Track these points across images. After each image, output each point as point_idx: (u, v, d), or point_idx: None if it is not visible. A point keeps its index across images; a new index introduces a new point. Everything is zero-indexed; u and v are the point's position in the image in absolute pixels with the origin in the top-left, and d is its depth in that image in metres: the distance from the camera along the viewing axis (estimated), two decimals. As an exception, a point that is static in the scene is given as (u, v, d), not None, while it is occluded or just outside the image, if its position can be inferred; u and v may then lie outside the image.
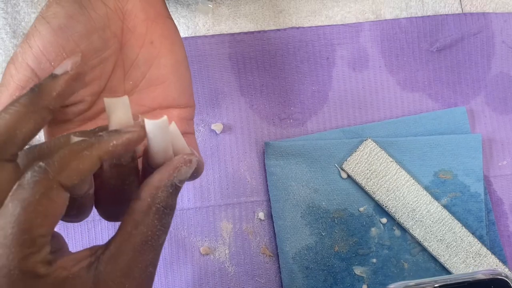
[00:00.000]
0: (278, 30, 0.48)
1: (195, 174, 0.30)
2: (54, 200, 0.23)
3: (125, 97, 0.26)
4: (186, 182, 0.46)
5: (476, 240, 0.45)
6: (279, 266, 0.46)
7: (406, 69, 0.49)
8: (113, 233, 0.26)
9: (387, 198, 0.45)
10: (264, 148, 0.46)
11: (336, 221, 0.46)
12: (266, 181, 0.47)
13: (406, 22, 0.49)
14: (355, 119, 0.48)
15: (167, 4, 0.34)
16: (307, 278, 0.45)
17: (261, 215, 0.46)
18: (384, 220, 0.46)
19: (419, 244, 0.46)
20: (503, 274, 0.32)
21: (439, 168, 0.47)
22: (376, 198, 0.45)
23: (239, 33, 0.47)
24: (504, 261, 0.46)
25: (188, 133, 0.34)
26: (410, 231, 0.45)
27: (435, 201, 0.45)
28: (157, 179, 0.26)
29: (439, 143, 0.47)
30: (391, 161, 0.46)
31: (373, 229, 0.46)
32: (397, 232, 0.46)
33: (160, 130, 0.26)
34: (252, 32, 0.48)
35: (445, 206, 0.46)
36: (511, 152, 0.49)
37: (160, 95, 0.33)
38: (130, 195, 0.27)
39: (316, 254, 0.45)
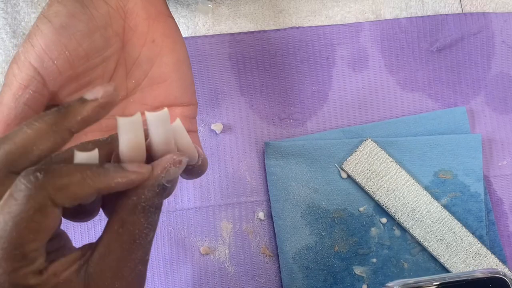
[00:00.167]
0: (278, 30, 0.48)
1: (200, 171, 0.29)
2: (47, 216, 0.23)
3: (138, 116, 0.26)
4: (185, 181, 0.46)
5: (476, 240, 0.45)
6: (279, 266, 0.46)
7: (406, 69, 0.49)
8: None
9: (387, 198, 0.45)
10: (264, 148, 0.46)
11: (336, 221, 0.46)
12: (266, 181, 0.47)
13: (406, 22, 0.49)
14: (355, 119, 0.48)
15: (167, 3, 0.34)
16: (307, 278, 0.45)
17: (261, 215, 0.46)
18: (384, 220, 0.46)
19: (419, 244, 0.46)
20: (501, 273, 0.32)
21: (439, 168, 0.47)
22: (376, 198, 0.45)
23: (239, 33, 0.48)
24: (504, 261, 0.46)
25: (191, 131, 0.34)
26: (410, 231, 0.45)
27: (435, 201, 0.45)
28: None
29: (439, 143, 0.47)
30: (391, 161, 0.46)
31: (373, 229, 0.46)
32: (397, 232, 0.46)
33: (161, 123, 0.26)
34: (252, 32, 0.48)
35: (445, 206, 0.46)
36: (511, 152, 0.49)
37: (162, 93, 0.33)
38: None
39: (316, 254, 0.45)
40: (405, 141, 0.47)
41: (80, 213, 0.27)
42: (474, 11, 0.50)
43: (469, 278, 0.32)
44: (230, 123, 0.47)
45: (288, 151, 0.46)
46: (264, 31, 0.48)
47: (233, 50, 0.47)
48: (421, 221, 0.45)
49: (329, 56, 0.48)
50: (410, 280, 0.32)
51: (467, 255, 0.45)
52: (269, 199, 0.46)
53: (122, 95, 0.32)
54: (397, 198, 0.45)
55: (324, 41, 0.48)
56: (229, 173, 0.47)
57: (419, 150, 0.46)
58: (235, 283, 0.46)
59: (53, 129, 0.25)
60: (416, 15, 0.49)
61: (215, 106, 0.47)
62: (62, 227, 0.45)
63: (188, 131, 0.33)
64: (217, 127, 0.47)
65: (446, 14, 0.49)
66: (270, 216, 0.46)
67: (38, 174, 0.23)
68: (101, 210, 0.31)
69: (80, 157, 0.25)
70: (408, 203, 0.45)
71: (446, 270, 0.45)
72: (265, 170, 0.47)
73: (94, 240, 0.45)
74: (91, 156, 0.25)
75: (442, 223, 0.45)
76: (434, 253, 0.45)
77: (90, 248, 0.26)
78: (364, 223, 0.46)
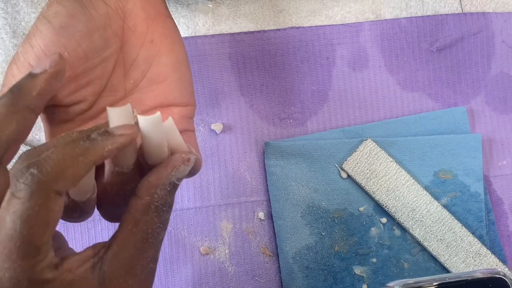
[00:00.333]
0: (278, 30, 0.48)
1: (193, 171, 0.30)
2: (52, 207, 0.23)
3: (128, 106, 0.26)
4: (185, 181, 0.46)
5: (476, 240, 0.45)
6: (279, 266, 0.46)
7: (406, 69, 0.49)
8: (113, 232, 0.27)
9: (387, 198, 0.45)
10: (264, 148, 0.46)
11: (336, 221, 0.46)
12: (266, 181, 0.47)
13: (406, 22, 0.49)
14: (355, 119, 0.48)
15: (167, 4, 0.34)
16: (307, 278, 0.45)
17: (261, 215, 0.46)
18: (384, 220, 0.46)
19: (419, 244, 0.46)
20: (501, 273, 0.32)
21: (439, 168, 0.47)
22: (376, 198, 0.45)
23: (239, 33, 0.48)
24: (504, 261, 0.46)
25: (188, 131, 0.34)
26: (410, 231, 0.45)
27: (435, 201, 0.45)
28: (155, 177, 0.27)
29: (439, 143, 0.47)
30: (391, 161, 0.46)
31: (373, 229, 0.46)
32: (397, 232, 0.46)
33: (154, 127, 0.26)
34: (252, 32, 0.48)
35: (445, 206, 0.46)
36: (511, 152, 0.49)
37: (161, 94, 0.33)
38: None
39: (316, 254, 0.45)
40: (405, 141, 0.47)
41: (75, 212, 0.28)
42: (474, 11, 0.50)
43: (469, 278, 0.32)
44: (230, 123, 0.47)
45: (288, 151, 0.46)
46: (264, 31, 0.48)
47: (233, 50, 0.47)
48: (421, 221, 0.45)
49: (329, 56, 0.48)
50: (411, 280, 0.32)
51: (467, 255, 0.45)
52: (269, 199, 0.46)
53: (121, 96, 0.32)
54: (397, 198, 0.45)
55: (324, 41, 0.48)
56: (229, 173, 0.47)
57: (419, 150, 0.46)
58: (235, 283, 0.46)
59: (11, 111, 0.25)
60: (416, 15, 0.49)
61: (215, 106, 0.47)
62: (62, 227, 0.46)
63: (186, 131, 0.33)
64: (217, 127, 0.47)
65: (446, 14, 0.49)
66: (270, 216, 0.46)
67: (32, 170, 0.23)
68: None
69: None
70: (408, 203, 0.45)
71: (446, 270, 0.45)
72: (265, 170, 0.47)
73: (94, 240, 0.46)
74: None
75: (442, 223, 0.45)
76: (434, 253, 0.45)
77: (103, 246, 0.26)
78: (364, 223, 0.46)
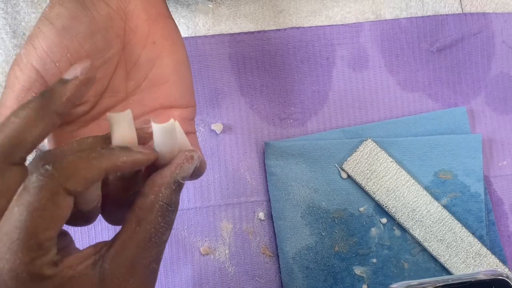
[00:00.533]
0: (278, 30, 0.48)
1: (198, 173, 0.30)
2: (60, 205, 0.24)
3: (128, 111, 0.27)
4: (187, 181, 0.46)
5: (476, 240, 0.45)
6: (279, 266, 0.46)
7: (406, 69, 0.49)
8: (113, 233, 0.27)
9: (387, 198, 0.45)
10: (264, 148, 0.46)
11: (336, 221, 0.46)
12: (266, 181, 0.47)
13: (406, 22, 0.49)
14: (355, 119, 0.48)
15: (167, 4, 0.34)
16: (307, 278, 0.45)
17: (261, 215, 0.46)
18: (384, 220, 0.46)
19: (419, 244, 0.46)
20: (504, 275, 0.32)
21: (439, 168, 0.47)
22: (376, 198, 0.45)
23: (239, 33, 0.47)
24: (504, 261, 0.46)
25: (189, 133, 0.34)
26: (410, 231, 0.45)
27: (435, 201, 0.45)
28: (160, 176, 0.27)
29: (439, 143, 0.47)
30: (391, 161, 0.46)
31: (373, 229, 0.46)
32: (397, 232, 0.46)
33: (167, 134, 0.27)
34: (252, 32, 0.48)
35: (445, 206, 0.46)
36: (511, 152, 0.49)
37: (162, 95, 0.33)
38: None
39: (316, 254, 0.45)
40: (405, 141, 0.47)
41: (80, 220, 0.28)
42: (474, 11, 0.50)
43: (472, 280, 0.32)
44: (230, 123, 0.47)
45: (288, 151, 0.46)
46: (264, 31, 0.48)
47: (233, 50, 0.47)
48: (421, 221, 0.45)
49: (329, 56, 0.48)
50: (414, 282, 0.32)
51: (467, 255, 0.45)
52: (269, 199, 0.46)
53: (122, 97, 0.32)
54: (397, 198, 0.45)
55: (324, 41, 0.48)
56: (229, 173, 0.47)
57: (419, 150, 0.47)
58: (235, 283, 0.46)
59: (40, 114, 0.25)
60: (416, 15, 0.49)
61: (215, 106, 0.47)
62: (63, 226, 0.45)
63: (187, 133, 0.33)
64: (217, 127, 0.47)
65: (446, 14, 0.49)
66: (270, 216, 0.46)
67: (47, 166, 0.23)
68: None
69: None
70: (408, 203, 0.45)
71: (446, 270, 0.45)
72: (265, 170, 0.47)
73: (94, 240, 0.46)
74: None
75: (442, 223, 0.45)
76: (434, 253, 0.45)
77: (105, 245, 0.26)
78: (364, 223, 0.46)
